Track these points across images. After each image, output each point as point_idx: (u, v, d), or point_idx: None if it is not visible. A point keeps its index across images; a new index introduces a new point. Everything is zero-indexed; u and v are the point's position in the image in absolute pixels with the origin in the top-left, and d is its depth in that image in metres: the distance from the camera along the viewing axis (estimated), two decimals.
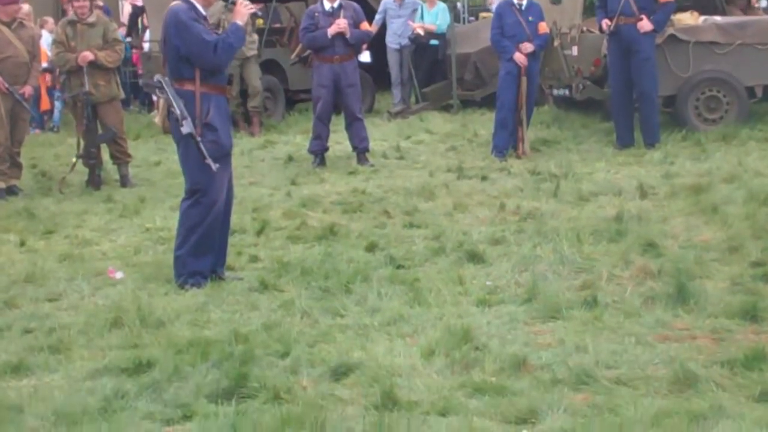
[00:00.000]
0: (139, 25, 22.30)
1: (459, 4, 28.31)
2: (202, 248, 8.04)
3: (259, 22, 18.19)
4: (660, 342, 6.28)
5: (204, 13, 7.98)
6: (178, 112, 7.85)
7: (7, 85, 12.12)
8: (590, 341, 6.28)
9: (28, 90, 12.48)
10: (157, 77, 8.23)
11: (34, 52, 12.66)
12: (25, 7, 16.00)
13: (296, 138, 15.89)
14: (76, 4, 12.49)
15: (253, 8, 8.00)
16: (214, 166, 7.81)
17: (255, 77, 16.74)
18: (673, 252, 8.27)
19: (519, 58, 13.40)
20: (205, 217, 7.98)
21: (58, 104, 18.65)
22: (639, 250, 8.31)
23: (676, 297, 6.99)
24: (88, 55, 12.25)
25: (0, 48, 12.27)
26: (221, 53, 7.86)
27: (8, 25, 12.35)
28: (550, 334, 6.56)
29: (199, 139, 7.85)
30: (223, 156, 7.95)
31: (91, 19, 12.47)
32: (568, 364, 5.91)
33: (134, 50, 21.17)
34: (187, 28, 7.81)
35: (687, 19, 14.96)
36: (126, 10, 22.09)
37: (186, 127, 7.84)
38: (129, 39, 20.93)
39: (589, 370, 5.76)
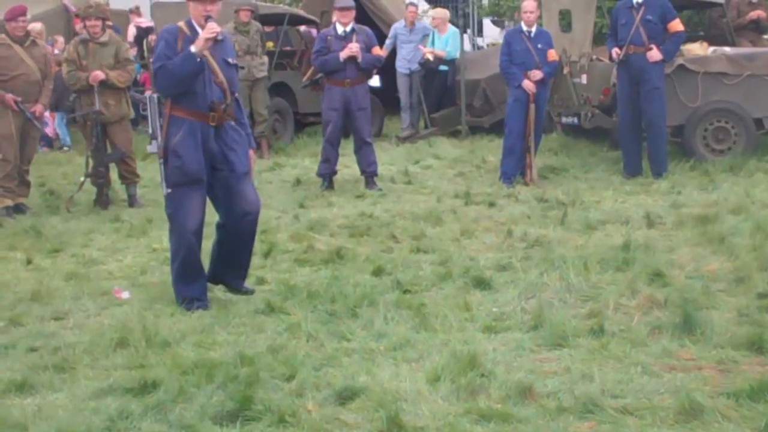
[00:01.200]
0: (144, 47, 22.35)
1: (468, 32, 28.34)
2: (185, 274, 8.06)
3: (269, 44, 18.26)
4: (666, 372, 6.26)
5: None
6: (150, 130, 7.92)
7: (18, 102, 12.14)
8: (596, 370, 6.26)
9: (39, 108, 12.50)
10: (147, 94, 8.27)
11: (46, 71, 12.68)
12: (37, 26, 16.08)
13: (305, 161, 15.94)
14: (88, 23, 12.54)
15: (212, 33, 7.70)
16: (165, 191, 7.89)
17: (261, 104, 16.73)
18: (680, 282, 8.26)
19: (527, 85, 13.42)
20: (180, 243, 8.00)
21: (64, 124, 18.69)
22: (646, 279, 8.30)
23: (683, 327, 6.96)
24: (100, 75, 12.28)
25: (12, 66, 12.30)
26: (159, 78, 7.80)
27: (21, 43, 12.39)
28: (556, 362, 6.54)
29: (161, 161, 7.92)
30: (190, 182, 7.87)
31: (103, 39, 12.51)
32: (574, 392, 5.90)
33: (142, 71, 21.21)
34: (155, 48, 7.94)
35: (696, 49, 14.97)
36: (131, 32, 22.13)
37: (152, 147, 7.93)
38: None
39: (595, 398, 5.74)
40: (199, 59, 7.69)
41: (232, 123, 8.05)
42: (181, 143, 7.84)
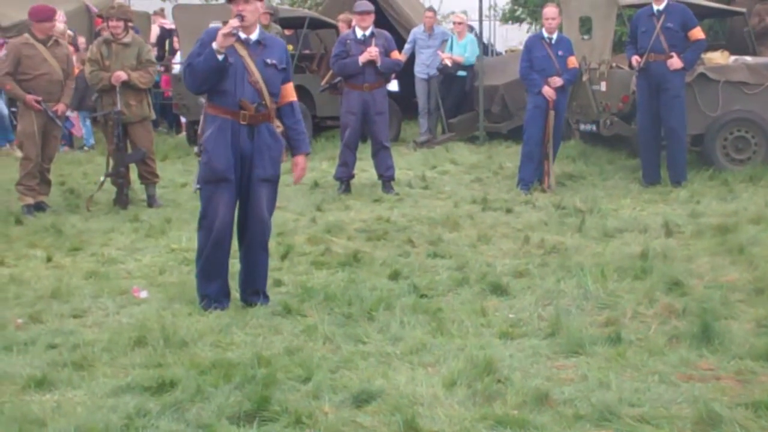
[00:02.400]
0: (167, 48, 22.44)
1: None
2: (207, 272, 8.08)
3: (289, 48, 18.28)
4: (684, 381, 6.24)
5: (242, 34, 7.89)
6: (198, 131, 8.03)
7: (40, 102, 12.20)
8: (613, 378, 6.25)
9: (61, 107, 12.56)
10: (201, 98, 8.35)
11: (69, 71, 12.73)
12: (60, 26, 16.14)
13: (322, 164, 15.95)
14: (111, 24, 12.59)
15: (230, 29, 7.69)
16: (195, 187, 7.94)
17: None
18: (699, 291, 8.24)
19: (548, 91, 13.41)
20: (205, 240, 8.03)
21: (88, 124, 18.75)
22: (664, 288, 8.28)
23: (701, 337, 6.94)
24: (122, 75, 12.33)
25: (35, 65, 12.37)
26: (186, 75, 7.94)
27: (44, 42, 12.45)
28: (572, 369, 6.54)
29: (198, 159, 8.03)
30: (217, 180, 7.90)
31: (126, 40, 12.56)
32: (590, 400, 5.89)
33: (163, 73, 21.27)
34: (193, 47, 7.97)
35: (717, 58, 14.95)
36: (154, 32, 22.22)
37: (196, 147, 8.04)
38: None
39: (612, 407, 5.73)
40: (221, 56, 7.71)
41: (271, 126, 8.04)
42: (210, 140, 7.90)
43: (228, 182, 7.91)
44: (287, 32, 18.78)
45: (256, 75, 7.88)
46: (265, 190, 8.04)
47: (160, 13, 23.42)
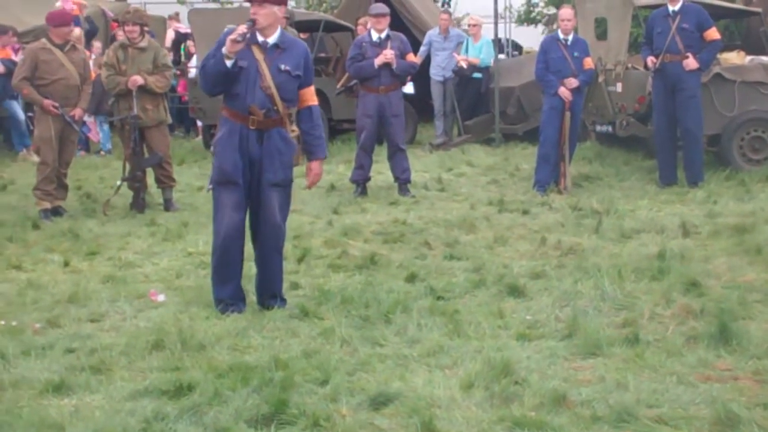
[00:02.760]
0: (182, 51, 22.49)
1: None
2: (218, 274, 8.11)
3: None
4: (702, 382, 6.23)
5: (259, 37, 7.88)
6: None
7: (57, 107, 12.24)
8: (631, 379, 6.25)
9: (78, 112, 12.58)
10: None
11: (85, 75, 12.76)
12: (76, 31, 16.19)
13: (339, 167, 15.95)
14: (127, 28, 12.61)
15: (236, 36, 7.63)
16: (208, 187, 8.04)
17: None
18: (716, 292, 8.23)
19: (564, 92, 13.39)
20: (216, 242, 8.07)
21: (106, 128, 18.79)
22: (681, 289, 8.27)
23: (719, 337, 6.93)
24: (138, 80, 12.35)
25: (52, 70, 12.40)
26: (200, 77, 8.06)
27: (61, 47, 12.49)
28: (590, 370, 6.53)
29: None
30: (225, 182, 7.92)
31: (142, 44, 12.58)
32: (608, 401, 5.89)
33: (180, 77, 21.31)
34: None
35: (733, 58, 14.93)
36: (170, 36, 22.26)
37: (212, 147, 8.13)
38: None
39: (630, 408, 5.72)
40: (230, 61, 7.71)
41: (282, 131, 7.97)
42: (220, 142, 7.94)
43: (236, 185, 7.91)
44: (302, 36, 18.78)
45: (268, 80, 7.84)
46: (276, 194, 8.01)
47: (175, 17, 23.46)
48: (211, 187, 8.05)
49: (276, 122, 7.95)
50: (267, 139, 7.93)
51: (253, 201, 8.02)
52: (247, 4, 8.01)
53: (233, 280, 8.11)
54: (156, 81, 12.50)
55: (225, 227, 7.96)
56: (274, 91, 7.86)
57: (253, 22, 7.77)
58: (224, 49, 7.69)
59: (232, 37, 7.65)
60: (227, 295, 8.06)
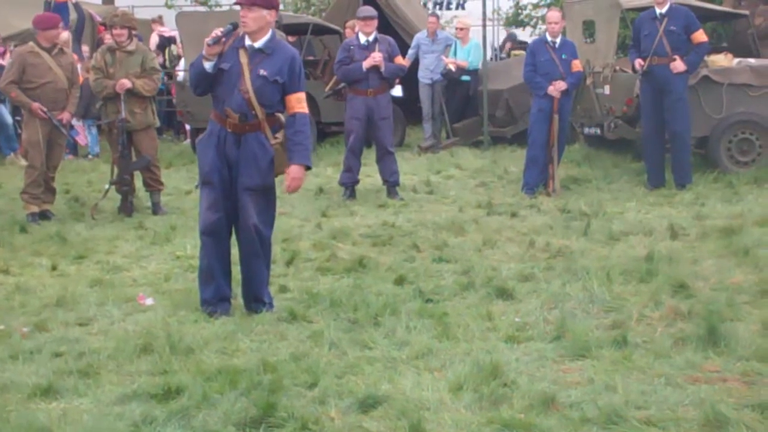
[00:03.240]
0: (167, 55, 22.45)
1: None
2: (202, 275, 8.15)
3: None
4: (690, 383, 6.24)
5: (247, 42, 7.87)
6: None
7: (45, 111, 12.22)
8: (620, 381, 6.25)
9: (66, 116, 12.57)
10: None
11: (73, 79, 12.74)
12: (64, 35, 16.16)
13: (327, 170, 15.97)
14: (114, 32, 12.57)
15: (209, 39, 7.70)
16: (195, 185, 8.05)
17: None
18: (704, 294, 8.24)
19: (553, 90, 13.36)
20: (201, 244, 8.12)
21: (94, 132, 18.76)
22: (669, 290, 8.28)
23: (707, 339, 6.94)
24: (126, 83, 12.31)
25: (40, 74, 12.38)
26: (189, 76, 8.11)
27: (48, 51, 12.47)
28: (579, 372, 6.53)
29: None
30: (204, 182, 8.00)
31: (130, 47, 12.54)
32: (597, 403, 5.88)
33: (167, 78, 21.28)
34: None
35: (721, 60, 14.96)
36: (153, 41, 22.20)
37: None
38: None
39: (618, 409, 5.73)
40: (208, 63, 7.76)
41: (261, 135, 7.92)
42: (202, 142, 8.05)
43: (212, 185, 7.94)
44: (290, 39, 18.78)
45: (247, 84, 7.82)
46: (251, 199, 7.95)
47: (159, 20, 23.38)
48: (196, 185, 8.11)
49: (253, 127, 7.91)
50: (244, 143, 7.92)
51: (233, 204, 8.03)
52: (237, 7, 8.00)
53: (214, 280, 8.09)
54: (144, 84, 12.47)
55: (201, 225, 8.07)
56: (252, 95, 7.83)
57: (235, 25, 7.79)
58: (203, 51, 7.74)
59: (207, 39, 7.72)
60: (210, 295, 8.08)
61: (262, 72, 7.86)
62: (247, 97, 7.83)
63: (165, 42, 22.45)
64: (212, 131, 7.97)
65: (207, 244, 8.05)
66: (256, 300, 8.13)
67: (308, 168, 8.11)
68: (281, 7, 29.35)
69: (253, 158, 7.91)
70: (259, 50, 7.90)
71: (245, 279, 8.18)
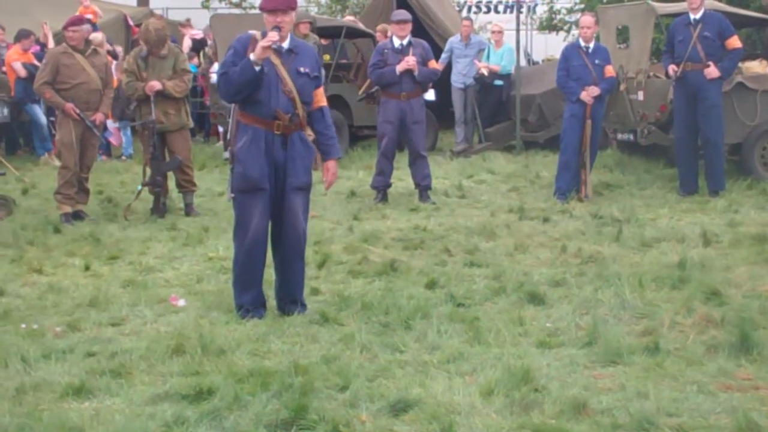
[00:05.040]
0: (201, 57, 22.50)
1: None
2: (241, 281, 8.11)
3: (326, 57, 18.33)
4: (722, 391, 6.21)
5: (276, 45, 7.88)
6: (229, 138, 8.04)
7: (78, 112, 12.28)
8: (651, 388, 6.23)
9: (99, 117, 12.63)
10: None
11: (107, 80, 12.81)
12: (98, 36, 16.28)
13: (359, 173, 15.97)
14: (155, 50, 12.56)
15: (269, 43, 7.71)
16: (229, 196, 8.01)
17: None
18: (737, 301, 8.20)
19: (586, 96, 13.33)
20: (239, 249, 8.07)
21: (128, 133, 18.84)
22: (702, 297, 8.24)
23: (739, 346, 6.91)
24: (156, 85, 12.37)
25: (73, 75, 12.43)
26: (221, 85, 7.92)
27: (82, 52, 12.53)
28: (610, 378, 6.52)
29: (231, 167, 8.07)
30: (251, 189, 7.91)
31: (163, 52, 12.59)
32: (628, 409, 5.87)
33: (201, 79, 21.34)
34: (225, 57, 7.98)
35: (755, 67, 14.90)
36: (186, 44, 22.27)
37: (227, 153, 8.07)
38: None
39: (650, 416, 5.71)
40: (258, 68, 7.73)
41: (302, 134, 8.05)
42: (244, 149, 7.90)
43: (263, 191, 7.92)
44: (324, 41, 18.81)
45: (290, 84, 7.88)
46: (299, 198, 8.05)
47: (187, 23, 23.39)
48: (232, 195, 8.05)
49: (298, 125, 8.00)
50: (290, 143, 7.96)
51: (276, 207, 8.03)
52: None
53: (255, 287, 8.12)
54: (174, 86, 12.51)
55: (252, 234, 7.96)
56: (295, 94, 7.90)
57: (280, 29, 7.79)
58: (253, 56, 7.70)
59: (265, 43, 7.68)
60: (248, 301, 8.07)
61: (303, 69, 7.98)
62: (291, 97, 7.90)
63: (198, 45, 22.50)
64: (256, 136, 7.90)
65: (256, 251, 8.03)
66: (294, 302, 8.15)
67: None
68: (315, 10, 29.53)
69: (300, 157, 8.01)
70: (289, 50, 7.99)
71: (285, 280, 8.19)
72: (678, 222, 11.85)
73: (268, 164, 7.90)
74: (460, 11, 28.37)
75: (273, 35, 7.72)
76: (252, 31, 8.00)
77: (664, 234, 10.99)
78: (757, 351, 6.84)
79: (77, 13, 17.43)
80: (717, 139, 13.46)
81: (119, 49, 19.79)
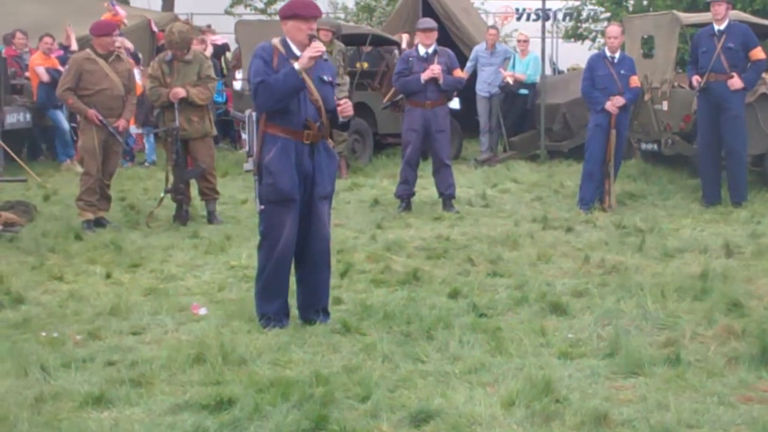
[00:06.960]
0: (223, 64, 22.50)
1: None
2: (268, 291, 8.08)
3: (364, 65, 18.35)
4: (743, 403, 6.20)
5: (297, 52, 7.89)
6: (247, 148, 7.99)
7: (101, 118, 12.31)
8: (672, 399, 6.22)
9: (122, 123, 12.67)
10: (247, 112, 8.33)
11: (130, 86, 12.84)
12: (124, 41, 16.29)
13: (383, 182, 15.98)
14: (178, 53, 12.59)
15: (317, 52, 7.74)
16: (258, 207, 7.97)
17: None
18: (758, 313, 8.17)
19: (611, 106, 13.29)
20: (267, 260, 8.02)
21: (152, 140, 18.86)
22: (723, 309, 8.22)
23: (761, 358, 6.89)
24: (180, 92, 12.37)
25: (96, 81, 12.46)
26: (260, 94, 7.78)
27: (105, 58, 12.56)
28: (631, 390, 6.50)
29: (255, 178, 7.99)
30: (282, 200, 7.87)
31: (187, 57, 12.61)
32: (649, 421, 5.86)
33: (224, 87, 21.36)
34: (251, 65, 7.94)
35: None
36: (209, 51, 22.27)
37: (248, 164, 8.01)
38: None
39: (670, 428, 5.71)
40: (301, 76, 7.73)
41: (326, 142, 8.07)
42: (274, 161, 7.85)
43: (293, 202, 7.90)
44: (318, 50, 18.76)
45: (316, 93, 7.89)
46: (326, 207, 8.09)
47: (208, 30, 23.37)
48: (262, 207, 7.99)
49: (323, 134, 8.02)
50: (317, 152, 7.97)
51: (302, 216, 8.01)
52: None
53: (281, 297, 8.11)
54: (198, 93, 12.51)
55: (283, 244, 7.93)
56: (321, 103, 7.92)
57: (316, 37, 7.81)
58: (298, 65, 7.69)
59: (312, 54, 7.70)
60: (273, 310, 8.05)
61: (326, 77, 8.01)
62: (318, 106, 7.91)
63: (219, 50, 22.50)
64: (286, 147, 7.86)
65: (286, 261, 8.03)
66: (318, 311, 8.15)
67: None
68: (342, 17, 29.55)
69: (326, 166, 8.04)
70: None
71: (311, 289, 8.18)
72: (701, 233, 11.82)
73: (299, 175, 7.90)
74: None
75: (319, 46, 7.74)
76: (275, 39, 8.01)
77: (687, 244, 10.97)
78: None
79: (103, 18, 17.39)
80: (740, 149, 13.42)
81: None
